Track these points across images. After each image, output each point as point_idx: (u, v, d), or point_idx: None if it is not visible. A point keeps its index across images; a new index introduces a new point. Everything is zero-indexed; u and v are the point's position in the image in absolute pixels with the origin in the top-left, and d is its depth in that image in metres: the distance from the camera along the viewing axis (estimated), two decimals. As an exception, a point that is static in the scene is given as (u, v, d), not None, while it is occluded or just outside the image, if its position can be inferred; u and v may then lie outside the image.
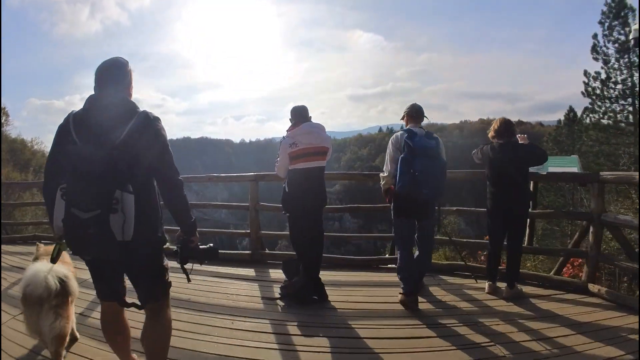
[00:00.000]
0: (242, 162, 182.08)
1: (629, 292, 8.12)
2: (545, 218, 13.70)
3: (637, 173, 4.59)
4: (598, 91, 21.28)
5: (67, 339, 2.83)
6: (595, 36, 21.47)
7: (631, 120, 20.45)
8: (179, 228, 2.46)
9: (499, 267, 4.73)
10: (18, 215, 16.08)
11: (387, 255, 6.22)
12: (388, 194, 4.38)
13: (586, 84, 21.54)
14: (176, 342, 3.00)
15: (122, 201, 2.00)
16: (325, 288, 4.46)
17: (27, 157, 46.64)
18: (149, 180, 2.23)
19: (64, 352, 2.81)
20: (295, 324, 3.80)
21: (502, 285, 4.57)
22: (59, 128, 2.22)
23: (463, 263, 5.54)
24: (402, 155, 4.02)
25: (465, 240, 6.57)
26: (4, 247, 6.59)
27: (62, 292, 2.71)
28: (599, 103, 21.36)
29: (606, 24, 21.10)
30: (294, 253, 4.75)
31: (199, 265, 2.48)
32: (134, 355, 2.78)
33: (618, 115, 20.97)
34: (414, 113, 4.49)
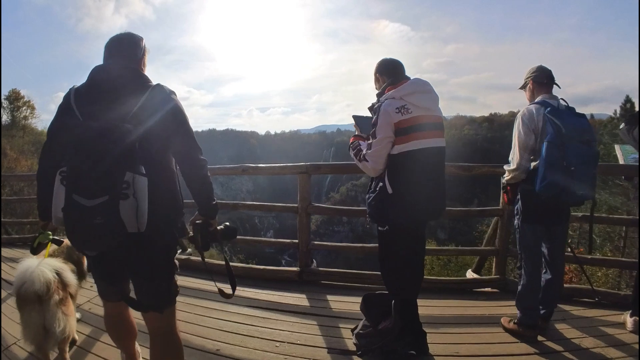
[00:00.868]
0: (268, 154, 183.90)
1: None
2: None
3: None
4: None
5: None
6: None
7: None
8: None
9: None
10: (20, 211, 14.92)
11: (481, 277, 4.87)
12: (512, 191, 3.27)
13: (644, 73, 19.94)
14: None
15: (133, 185, 1.73)
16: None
17: (55, 150, 47.36)
18: (166, 161, 2.00)
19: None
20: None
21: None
22: (59, 106, 1.97)
23: (590, 287, 4.02)
24: (547, 140, 2.82)
25: (601, 258, 5.22)
26: (3, 250, 5.86)
27: (62, 286, 2.57)
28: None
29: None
30: (355, 271, 3.97)
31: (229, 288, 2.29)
32: (138, 348, 2.64)
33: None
34: (545, 78, 3.19)
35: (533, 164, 2.97)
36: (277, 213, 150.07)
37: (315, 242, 5.04)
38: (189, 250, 5.44)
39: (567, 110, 2.97)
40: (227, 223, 2.25)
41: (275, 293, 4.31)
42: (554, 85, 3.15)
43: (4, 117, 40.69)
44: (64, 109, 1.92)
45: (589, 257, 4.26)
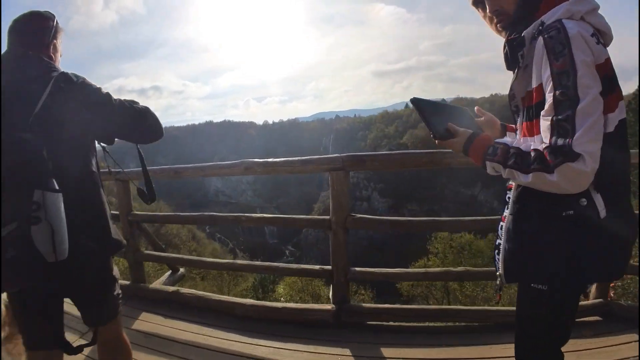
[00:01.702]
0: (267, 144, 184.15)
1: None
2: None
3: None
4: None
5: None
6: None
7: None
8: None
9: None
10: None
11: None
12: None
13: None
14: None
15: (44, 205, 1.43)
16: None
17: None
18: (85, 166, 1.74)
19: None
20: None
21: None
22: None
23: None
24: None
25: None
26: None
27: (9, 321, 2.29)
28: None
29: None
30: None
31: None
32: None
33: None
34: None
35: None
36: (279, 204, 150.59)
37: (358, 269, 3.45)
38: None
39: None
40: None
41: (302, 347, 2.91)
42: None
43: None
44: None
45: None
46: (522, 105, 1.44)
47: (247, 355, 2.45)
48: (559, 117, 1.19)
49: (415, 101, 1.52)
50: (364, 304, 3.45)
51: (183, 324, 3.42)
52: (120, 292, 2.00)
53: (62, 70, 1.65)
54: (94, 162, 1.79)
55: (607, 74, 1.26)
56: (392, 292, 26.92)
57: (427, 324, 3.32)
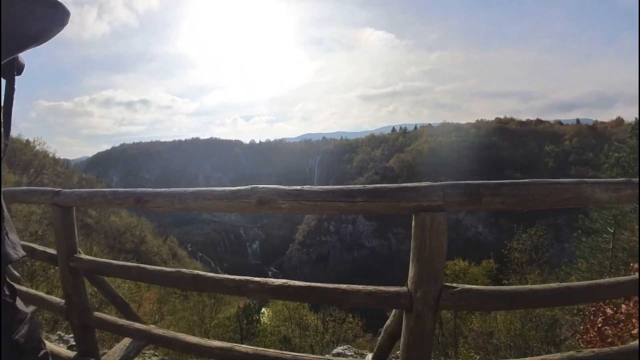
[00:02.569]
0: (253, 163, 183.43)
1: None
2: None
3: None
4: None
5: None
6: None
7: None
8: None
9: None
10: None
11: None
12: None
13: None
14: None
15: None
16: None
17: (28, 158, 45.90)
18: None
19: None
20: None
21: None
22: None
23: None
24: None
25: None
26: None
27: None
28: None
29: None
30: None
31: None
32: None
33: None
34: None
35: None
36: (263, 224, 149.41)
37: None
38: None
39: None
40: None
41: None
42: None
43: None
44: None
45: None
46: None
47: None
48: None
49: None
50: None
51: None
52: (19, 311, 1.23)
53: None
54: None
55: None
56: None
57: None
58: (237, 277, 2.44)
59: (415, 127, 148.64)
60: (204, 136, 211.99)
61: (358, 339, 21.36)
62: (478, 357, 13.00)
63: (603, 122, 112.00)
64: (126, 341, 3.33)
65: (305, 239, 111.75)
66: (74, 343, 4.03)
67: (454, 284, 1.99)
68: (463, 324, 19.56)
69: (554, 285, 2.03)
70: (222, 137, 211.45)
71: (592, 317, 5.05)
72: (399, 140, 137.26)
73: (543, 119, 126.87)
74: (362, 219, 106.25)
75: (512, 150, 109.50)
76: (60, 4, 1.18)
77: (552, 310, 14.37)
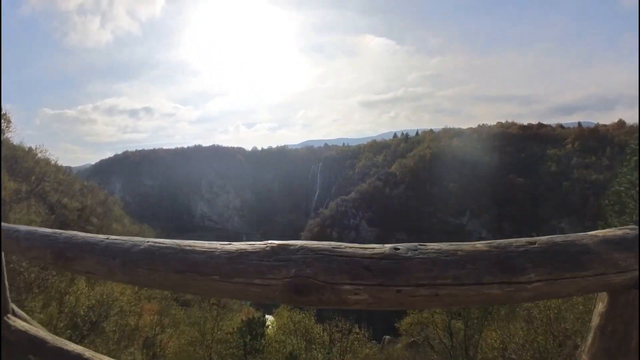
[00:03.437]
0: (255, 169, 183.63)
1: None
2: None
3: None
4: None
5: None
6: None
7: None
8: None
9: None
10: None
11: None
12: None
13: None
14: None
15: None
16: None
17: (30, 165, 45.93)
18: None
19: None
20: None
21: None
22: None
23: None
24: None
25: None
26: None
27: None
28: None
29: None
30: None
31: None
32: None
33: None
34: None
35: None
36: (265, 231, 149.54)
37: None
38: None
39: None
40: None
41: None
42: None
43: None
44: None
45: None
46: None
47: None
48: None
49: None
50: None
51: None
52: None
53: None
54: None
55: None
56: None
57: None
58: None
59: (417, 133, 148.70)
60: (206, 143, 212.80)
61: (365, 349, 21.13)
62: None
63: (605, 125, 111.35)
64: None
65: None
66: None
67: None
68: (476, 335, 19.38)
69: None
70: (225, 144, 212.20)
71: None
72: (400, 146, 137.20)
73: (544, 122, 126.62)
74: (365, 225, 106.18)
75: (515, 154, 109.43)
76: None
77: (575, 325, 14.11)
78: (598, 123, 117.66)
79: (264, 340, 19.99)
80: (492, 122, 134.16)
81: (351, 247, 1.18)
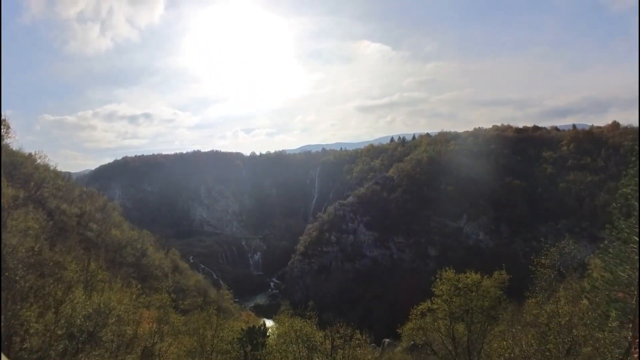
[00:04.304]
0: (253, 174, 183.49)
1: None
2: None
3: None
4: None
5: None
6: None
7: None
8: None
9: None
10: (5, 240, 13.95)
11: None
12: None
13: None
14: None
15: None
16: None
17: (29, 171, 46.02)
18: None
19: None
20: None
21: None
22: None
23: None
24: None
25: None
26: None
27: None
28: None
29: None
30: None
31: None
32: None
33: None
34: None
35: None
36: (265, 235, 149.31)
37: None
38: None
39: None
40: None
41: None
42: None
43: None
44: None
45: None
46: None
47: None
48: None
49: None
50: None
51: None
52: None
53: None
54: None
55: None
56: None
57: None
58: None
59: (414, 137, 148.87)
60: (205, 149, 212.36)
61: (367, 355, 20.99)
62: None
63: (599, 127, 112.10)
64: None
65: (306, 250, 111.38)
66: None
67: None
68: (479, 341, 19.33)
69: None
70: (223, 150, 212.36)
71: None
72: (397, 150, 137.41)
73: (539, 125, 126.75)
74: (363, 229, 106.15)
75: (511, 157, 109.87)
76: None
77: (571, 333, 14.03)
78: (592, 125, 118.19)
79: (265, 350, 19.98)
80: (487, 125, 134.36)
81: None
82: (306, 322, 20.14)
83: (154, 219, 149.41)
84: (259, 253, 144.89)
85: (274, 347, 20.17)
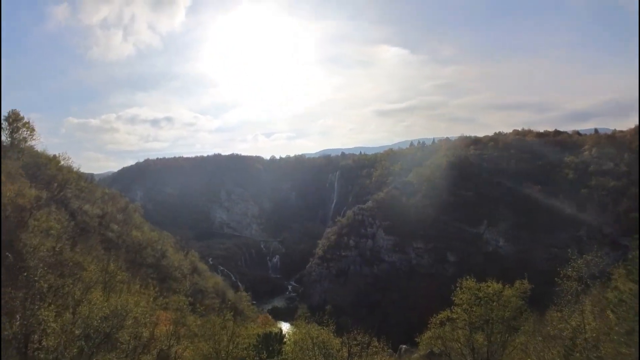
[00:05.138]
0: (273, 178, 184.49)
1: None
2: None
3: None
4: None
5: None
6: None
7: None
8: None
9: None
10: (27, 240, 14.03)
11: None
12: None
13: None
14: None
15: None
16: None
17: (52, 173, 46.83)
18: None
19: None
20: None
21: None
22: None
23: None
24: None
25: None
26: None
27: None
28: None
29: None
30: None
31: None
32: None
33: None
34: None
35: None
36: (283, 238, 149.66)
37: None
38: None
39: None
40: None
41: None
42: None
43: (3, 137, 40.65)
44: None
45: None
46: None
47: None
48: None
49: None
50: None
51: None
52: None
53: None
54: None
55: None
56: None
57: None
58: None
59: (433, 141, 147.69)
60: (225, 152, 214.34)
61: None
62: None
63: (622, 131, 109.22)
64: None
65: (325, 254, 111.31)
66: None
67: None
68: (499, 352, 18.91)
69: None
70: (244, 154, 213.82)
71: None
72: (417, 155, 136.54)
73: (560, 129, 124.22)
74: (381, 234, 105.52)
75: (531, 162, 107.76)
76: None
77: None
78: (615, 129, 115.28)
79: (281, 356, 19.80)
80: (507, 129, 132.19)
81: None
82: (323, 329, 19.86)
83: (174, 221, 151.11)
84: (277, 256, 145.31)
85: (290, 354, 19.95)
